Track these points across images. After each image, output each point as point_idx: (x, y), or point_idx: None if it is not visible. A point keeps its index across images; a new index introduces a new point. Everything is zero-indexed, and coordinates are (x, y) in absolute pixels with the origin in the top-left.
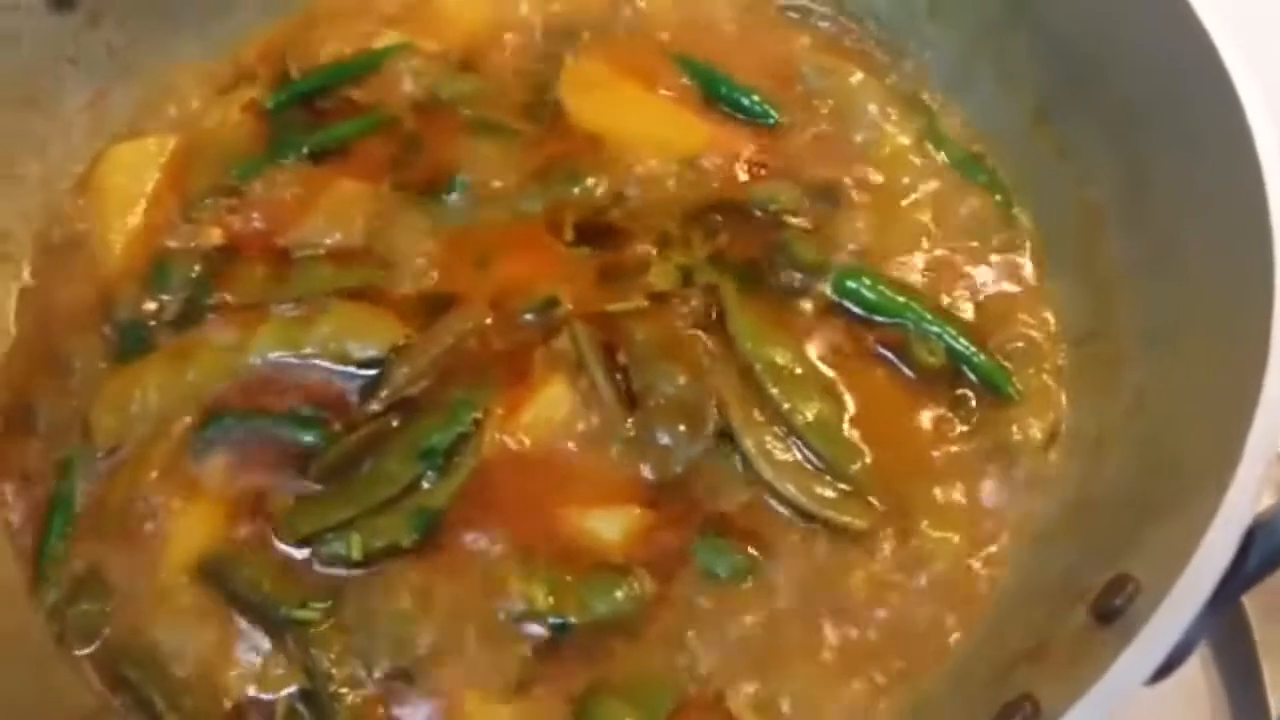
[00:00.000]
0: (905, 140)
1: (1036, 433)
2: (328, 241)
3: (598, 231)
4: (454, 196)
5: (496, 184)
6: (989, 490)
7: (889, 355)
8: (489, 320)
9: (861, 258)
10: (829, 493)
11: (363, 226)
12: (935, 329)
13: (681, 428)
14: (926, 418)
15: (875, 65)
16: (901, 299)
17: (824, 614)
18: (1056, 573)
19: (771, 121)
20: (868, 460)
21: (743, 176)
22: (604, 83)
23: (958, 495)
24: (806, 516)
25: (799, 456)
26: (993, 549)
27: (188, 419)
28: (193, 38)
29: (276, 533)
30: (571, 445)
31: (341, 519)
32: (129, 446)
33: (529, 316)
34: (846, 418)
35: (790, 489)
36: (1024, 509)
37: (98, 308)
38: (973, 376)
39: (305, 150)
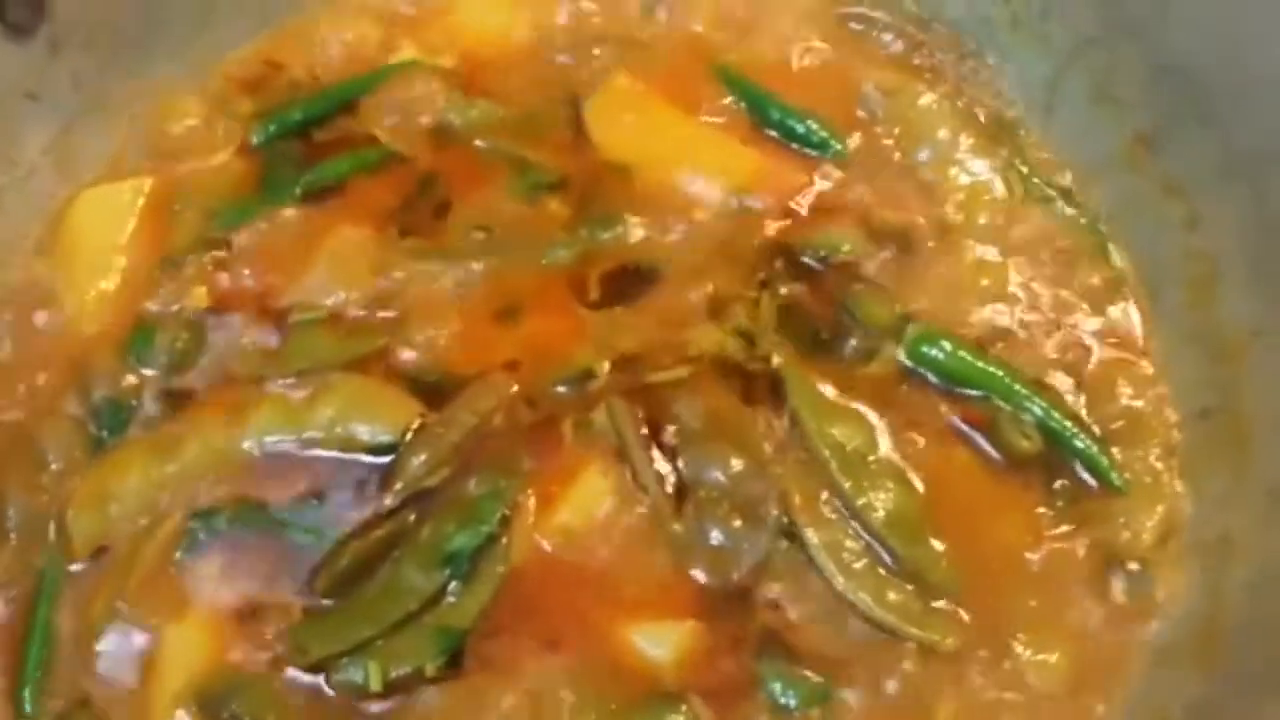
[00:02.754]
0: (984, 173)
1: (1147, 532)
2: (329, 301)
3: (633, 284)
4: (469, 245)
5: (517, 229)
6: (1093, 600)
7: (973, 435)
8: (513, 391)
9: (937, 316)
10: (911, 604)
11: (368, 283)
12: (1028, 404)
13: (737, 524)
14: (1018, 512)
15: (947, 84)
16: (988, 367)
17: None
18: (1182, 709)
19: (830, 152)
20: (950, 563)
21: (799, 217)
22: (637, 106)
23: (1056, 606)
24: (885, 631)
25: (873, 559)
26: (1101, 673)
27: (175, 517)
28: (167, 62)
29: (286, 655)
30: (613, 545)
31: (357, 640)
32: (111, 553)
33: (560, 389)
34: (925, 512)
35: (866, 600)
36: (1137, 624)
37: (70, 384)
38: (1073, 462)
39: (299, 191)
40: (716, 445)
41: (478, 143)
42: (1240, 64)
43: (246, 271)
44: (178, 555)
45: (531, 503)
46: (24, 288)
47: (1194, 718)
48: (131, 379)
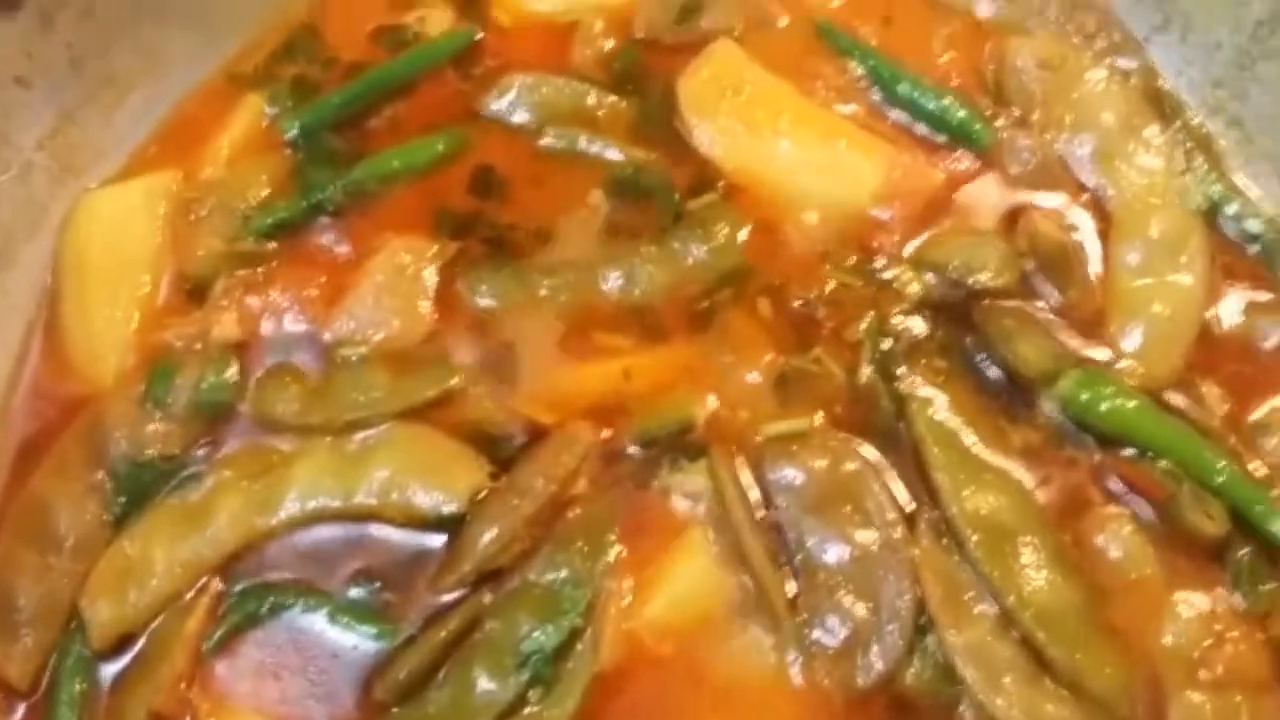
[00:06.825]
0: (1159, 172)
1: None
2: (379, 335)
3: (736, 309)
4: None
5: (595, 242)
6: None
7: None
8: (598, 443)
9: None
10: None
11: (425, 308)
12: (1214, 474)
13: (863, 615)
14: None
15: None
16: (1165, 423)
17: None
18: None
19: (972, 137)
20: (1115, 667)
21: (931, 223)
22: (740, 84)
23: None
24: None
25: (1025, 666)
26: None
27: (204, 604)
28: (179, 35)
29: None
30: (717, 639)
31: None
32: (136, 645)
33: (653, 443)
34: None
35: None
36: None
37: (83, 439)
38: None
39: (339, 193)
40: (836, 517)
41: (548, 133)
42: None
43: (282, 294)
44: (208, 647)
45: (623, 587)
46: (24, 318)
47: None
48: (153, 428)
